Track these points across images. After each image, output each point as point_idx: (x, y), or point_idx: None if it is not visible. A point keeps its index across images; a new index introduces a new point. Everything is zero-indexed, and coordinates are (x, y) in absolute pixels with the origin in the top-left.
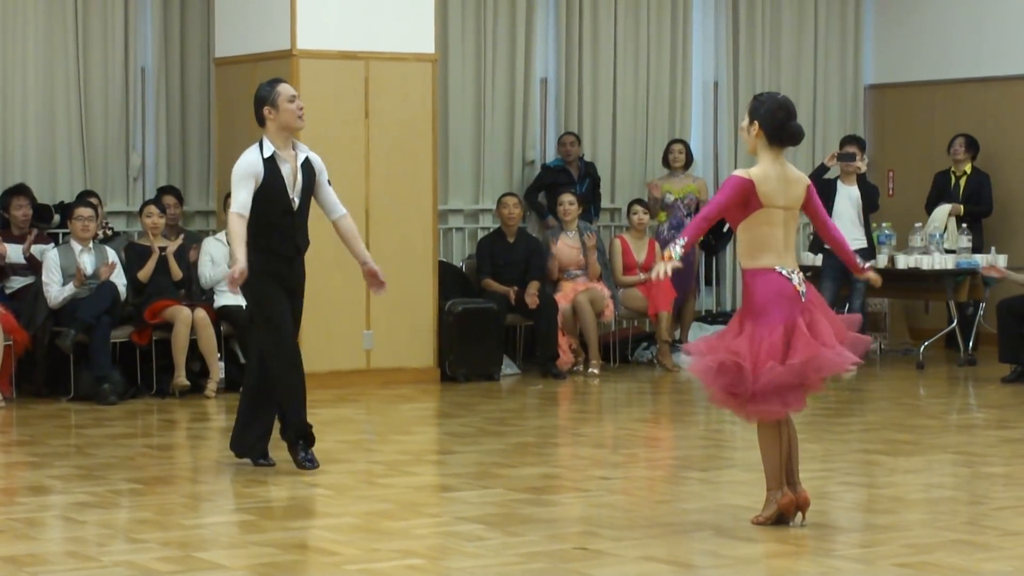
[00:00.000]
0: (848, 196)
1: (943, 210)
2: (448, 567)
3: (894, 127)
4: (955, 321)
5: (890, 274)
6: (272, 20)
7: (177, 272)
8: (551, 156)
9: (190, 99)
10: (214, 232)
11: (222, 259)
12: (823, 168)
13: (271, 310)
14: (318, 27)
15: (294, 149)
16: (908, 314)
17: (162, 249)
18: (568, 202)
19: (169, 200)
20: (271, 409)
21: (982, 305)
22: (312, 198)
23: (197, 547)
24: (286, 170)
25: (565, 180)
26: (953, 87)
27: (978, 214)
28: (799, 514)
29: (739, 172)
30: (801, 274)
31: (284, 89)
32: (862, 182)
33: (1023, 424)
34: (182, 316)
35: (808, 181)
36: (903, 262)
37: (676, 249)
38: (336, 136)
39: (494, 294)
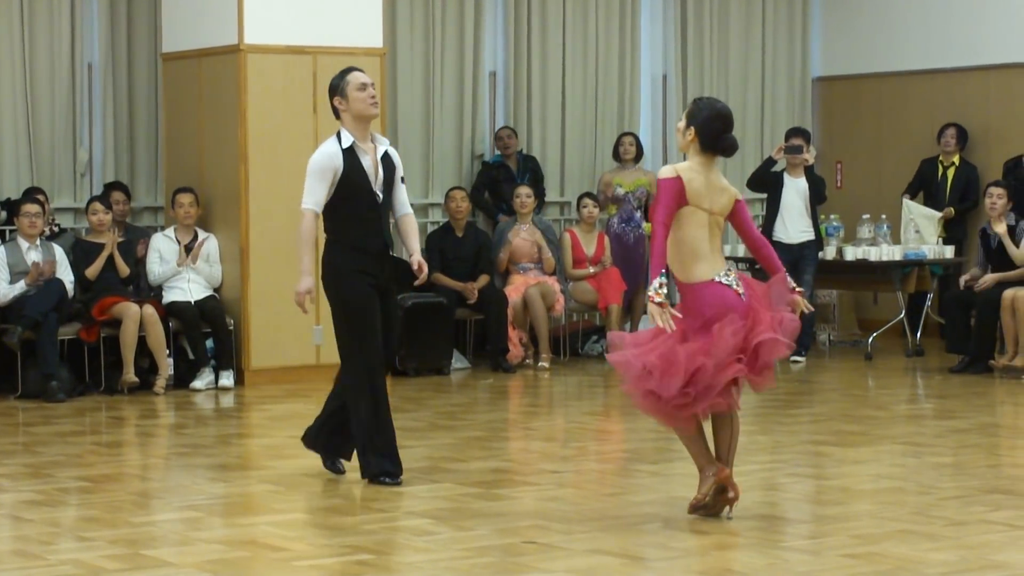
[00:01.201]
0: (795, 188)
1: (926, 212)
2: (397, 562)
3: (842, 119)
4: (903, 312)
5: (838, 266)
6: (219, 15)
7: (124, 268)
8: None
9: (137, 95)
10: (162, 228)
11: (171, 255)
12: (771, 161)
13: (357, 313)
14: (265, 22)
15: (373, 141)
16: (857, 305)
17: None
18: (525, 195)
19: (117, 196)
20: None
21: (929, 296)
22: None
23: (145, 545)
24: (367, 162)
25: (505, 176)
26: (900, 79)
27: (965, 210)
28: (727, 508)
29: (665, 170)
30: (733, 272)
31: (354, 77)
32: (809, 174)
33: (970, 414)
34: (130, 313)
35: (737, 195)
36: (851, 254)
37: (661, 291)
38: (285, 131)
39: (444, 288)
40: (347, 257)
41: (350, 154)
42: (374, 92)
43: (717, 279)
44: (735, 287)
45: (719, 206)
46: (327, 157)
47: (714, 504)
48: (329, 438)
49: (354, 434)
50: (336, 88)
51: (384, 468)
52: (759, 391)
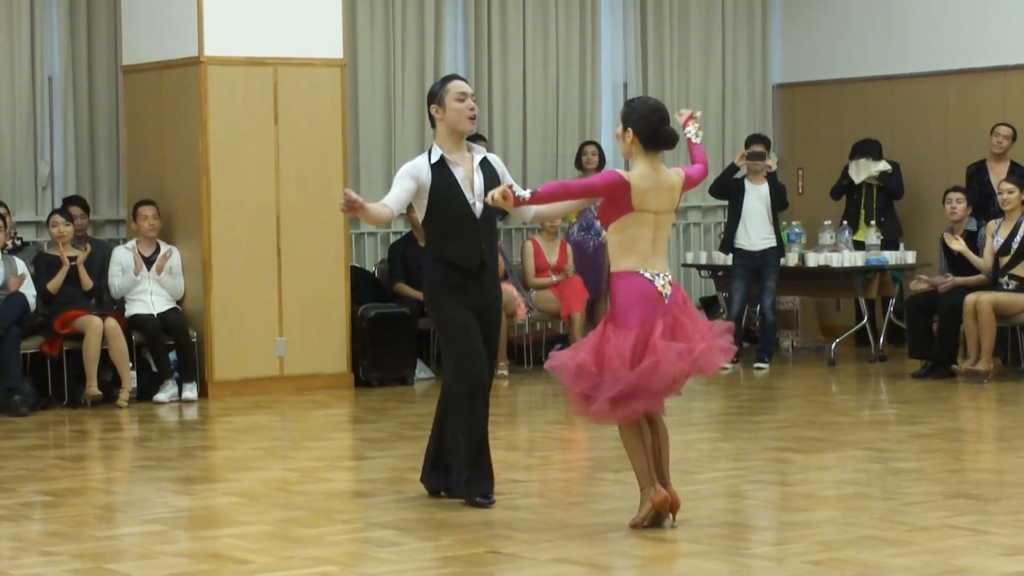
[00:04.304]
0: (757, 195)
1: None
2: (361, 573)
3: (803, 126)
4: (865, 318)
5: (801, 272)
6: (179, 27)
7: (87, 282)
8: None
9: (98, 107)
10: (124, 241)
11: (131, 268)
12: (733, 168)
13: (454, 336)
14: (225, 34)
15: (469, 151)
16: (820, 311)
17: (72, 259)
18: None
19: (75, 210)
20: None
21: (891, 301)
22: None
23: (110, 559)
24: (459, 173)
25: None
26: (860, 85)
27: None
28: (670, 515)
29: (621, 171)
30: (669, 277)
31: (455, 86)
32: (771, 181)
33: (933, 419)
34: (93, 326)
35: (680, 173)
36: (813, 260)
37: (522, 192)
38: (246, 142)
39: (407, 298)
40: (443, 275)
41: (440, 168)
42: (474, 105)
43: (643, 272)
44: (660, 287)
45: (667, 202)
46: (413, 166)
47: (645, 517)
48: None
49: (451, 452)
50: (435, 95)
51: (482, 489)
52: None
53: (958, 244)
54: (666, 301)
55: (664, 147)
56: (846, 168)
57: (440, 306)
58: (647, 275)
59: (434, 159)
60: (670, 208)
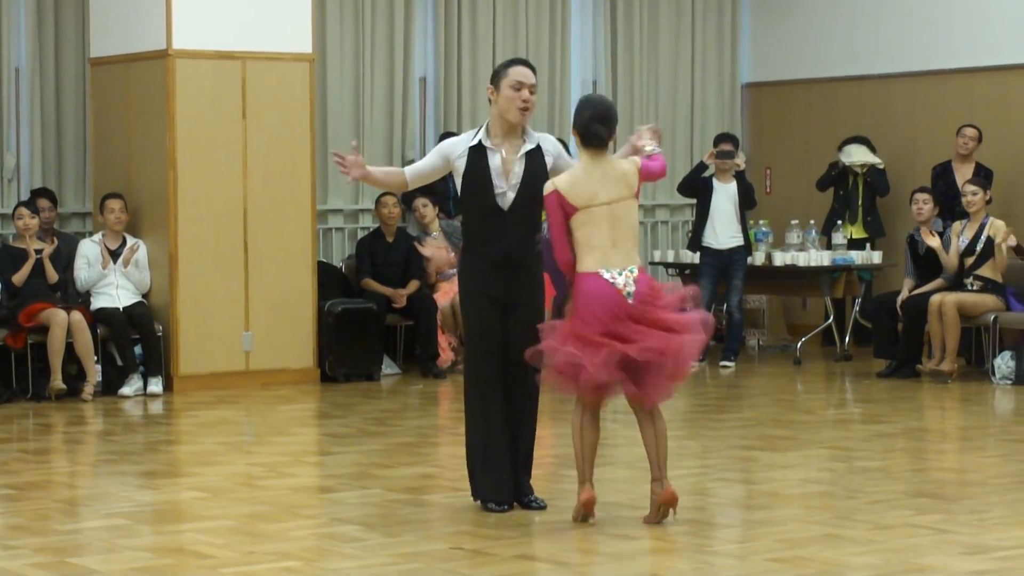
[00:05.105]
0: (725, 193)
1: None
2: (324, 569)
3: (771, 125)
4: (831, 317)
5: (767, 271)
6: (147, 20)
7: (53, 275)
8: None
9: (65, 99)
10: (90, 234)
11: (97, 261)
12: (702, 166)
13: (472, 333)
14: (194, 27)
15: (522, 137)
16: (786, 310)
17: (38, 252)
18: (422, 205)
19: (43, 203)
20: (517, 436)
21: (858, 301)
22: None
23: (71, 553)
24: (495, 160)
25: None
26: (829, 85)
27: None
28: (670, 510)
29: (545, 186)
30: (634, 271)
31: (515, 72)
32: (739, 179)
33: (897, 419)
34: (58, 319)
35: (637, 163)
36: (780, 259)
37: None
38: (214, 136)
39: (374, 294)
40: (469, 267)
41: (477, 152)
42: (528, 96)
43: (601, 272)
44: (622, 287)
45: (618, 193)
46: (450, 144)
47: (655, 513)
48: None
49: (467, 455)
50: (495, 76)
51: (492, 495)
52: (646, 406)
53: (934, 241)
54: (629, 301)
55: (593, 146)
56: (832, 164)
57: (463, 300)
58: (607, 276)
59: (474, 141)
60: (626, 195)
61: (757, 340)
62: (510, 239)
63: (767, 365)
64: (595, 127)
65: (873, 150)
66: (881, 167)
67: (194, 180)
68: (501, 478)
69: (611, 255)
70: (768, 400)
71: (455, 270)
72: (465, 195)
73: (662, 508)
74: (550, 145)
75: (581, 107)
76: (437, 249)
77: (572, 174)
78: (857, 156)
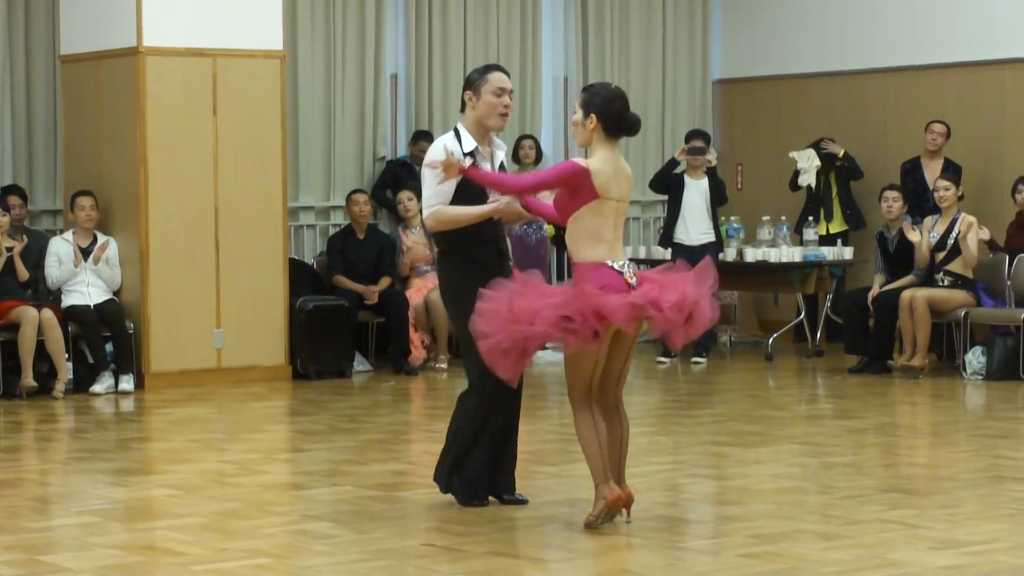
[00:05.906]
0: (697, 190)
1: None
2: (296, 566)
3: (742, 121)
4: (803, 313)
5: (739, 267)
6: (118, 17)
7: (24, 273)
8: (402, 152)
9: (36, 96)
10: (61, 231)
11: (68, 259)
12: (673, 163)
13: (471, 333)
14: (165, 24)
15: (490, 146)
16: (758, 306)
17: (8, 249)
18: (407, 199)
19: (13, 200)
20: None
21: (829, 297)
22: None
23: (42, 550)
24: (485, 167)
25: (408, 175)
26: (799, 82)
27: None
28: (624, 511)
29: (577, 159)
30: (633, 266)
31: (495, 78)
32: (711, 176)
33: (868, 414)
34: (29, 317)
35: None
36: (751, 255)
37: (468, 160)
38: (184, 133)
39: (345, 291)
40: (460, 271)
41: (471, 158)
42: (509, 102)
43: (610, 263)
44: (627, 277)
45: (626, 192)
46: (443, 153)
47: (604, 515)
48: (494, 478)
49: (450, 449)
50: (472, 83)
51: (469, 495)
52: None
53: (915, 235)
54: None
55: (627, 133)
56: (795, 171)
57: (463, 299)
58: (616, 267)
59: (467, 148)
60: (627, 198)
61: (729, 336)
62: (501, 241)
63: (739, 361)
64: (632, 116)
65: (820, 151)
66: (842, 156)
67: (165, 177)
68: (482, 481)
69: (615, 249)
70: (740, 396)
71: (430, 266)
72: (460, 200)
73: (612, 511)
74: (502, 153)
75: (611, 96)
76: (416, 243)
77: (600, 161)
78: (804, 162)
